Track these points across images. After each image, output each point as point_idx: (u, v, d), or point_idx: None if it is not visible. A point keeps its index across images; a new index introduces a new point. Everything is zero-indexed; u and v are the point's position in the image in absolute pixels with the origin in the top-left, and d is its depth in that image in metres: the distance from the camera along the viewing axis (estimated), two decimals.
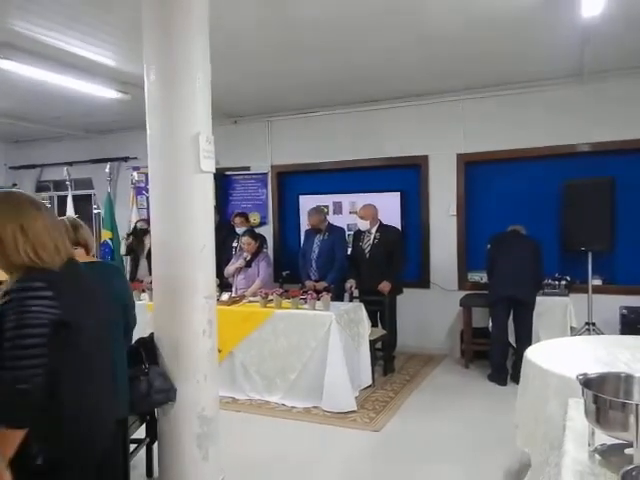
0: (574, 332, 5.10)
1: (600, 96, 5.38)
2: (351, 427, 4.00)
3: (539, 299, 5.04)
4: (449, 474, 3.27)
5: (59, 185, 8.46)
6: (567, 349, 3.05)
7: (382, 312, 5.32)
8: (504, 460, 3.35)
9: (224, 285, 5.43)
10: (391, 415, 4.21)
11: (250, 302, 4.92)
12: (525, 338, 4.81)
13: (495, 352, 5.03)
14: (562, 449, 1.50)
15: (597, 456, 1.43)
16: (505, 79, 5.46)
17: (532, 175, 5.80)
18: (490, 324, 5.19)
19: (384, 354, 5.35)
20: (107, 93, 5.33)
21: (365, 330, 4.80)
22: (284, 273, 6.52)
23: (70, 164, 7.91)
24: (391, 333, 5.38)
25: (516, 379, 4.22)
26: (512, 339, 5.06)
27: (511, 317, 5.03)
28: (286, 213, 7.12)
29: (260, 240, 5.70)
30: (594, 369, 1.85)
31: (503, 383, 4.87)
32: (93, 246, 2.69)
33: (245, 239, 5.46)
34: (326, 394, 4.28)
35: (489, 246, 5.21)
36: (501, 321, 5.00)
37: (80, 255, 2.54)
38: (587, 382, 1.52)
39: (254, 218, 6.97)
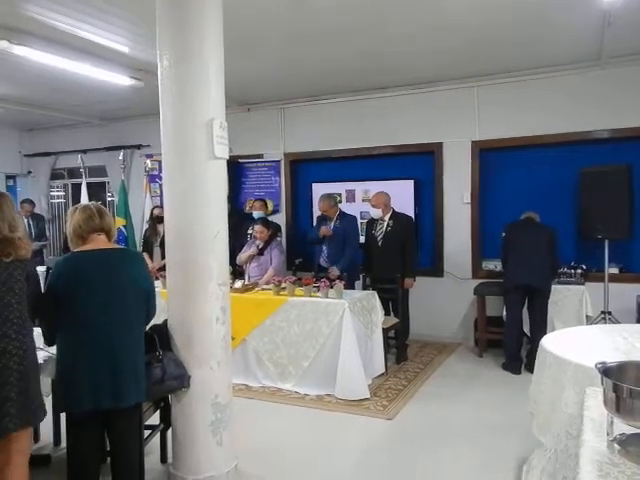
0: (590, 321, 5.04)
1: (619, 81, 5.26)
2: (364, 415, 4.00)
3: (554, 288, 4.99)
4: (463, 462, 3.26)
5: (73, 172, 8.51)
6: (584, 338, 3.00)
7: (395, 300, 5.30)
8: (518, 449, 3.32)
9: (237, 273, 5.44)
10: (404, 403, 4.20)
11: (263, 290, 4.93)
12: (540, 327, 4.77)
13: (509, 341, 5.00)
14: (580, 438, 1.48)
15: (616, 446, 1.41)
16: (521, 64, 5.36)
17: (548, 162, 5.71)
18: (504, 313, 5.14)
19: (397, 342, 5.34)
20: (120, 80, 5.32)
21: (378, 318, 4.79)
22: (297, 261, 6.51)
23: (84, 152, 7.95)
24: (404, 321, 5.37)
25: (530, 368, 4.17)
26: (526, 328, 5.03)
27: (526, 306, 4.99)
28: (299, 201, 7.10)
29: (273, 228, 5.69)
30: (612, 358, 1.82)
31: (517, 372, 4.84)
32: (115, 233, 2.71)
33: (258, 227, 5.45)
34: (339, 382, 4.28)
35: (504, 234, 5.16)
36: (516, 309, 4.96)
37: (102, 241, 2.56)
38: (606, 371, 1.50)
39: (270, 205, 6.96)
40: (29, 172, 8.78)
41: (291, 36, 4.39)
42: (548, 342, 2.79)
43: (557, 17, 4.09)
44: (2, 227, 2.29)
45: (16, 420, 2.11)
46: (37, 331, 2.44)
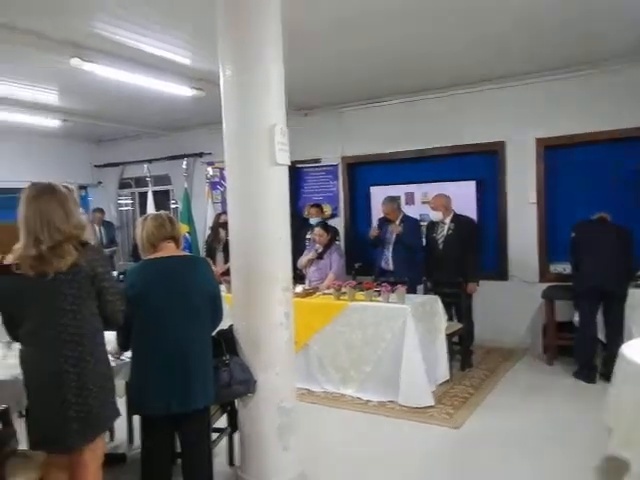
0: None
1: None
2: (429, 423, 3.91)
3: (631, 291, 4.69)
4: (532, 476, 3.12)
5: (140, 181, 8.86)
6: None
7: (458, 305, 5.17)
8: (593, 464, 3.14)
9: (297, 277, 5.47)
10: (471, 411, 4.08)
11: (324, 294, 4.92)
12: (615, 333, 4.52)
13: (581, 348, 4.75)
14: None
15: None
16: (585, 58, 5.11)
17: (617, 158, 5.41)
18: (576, 318, 4.90)
19: (461, 348, 5.19)
20: (182, 91, 5.48)
21: (441, 323, 4.67)
22: (356, 265, 6.46)
23: (149, 161, 8.25)
24: (468, 326, 5.22)
25: (606, 377, 3.96)
26: (600, 334, 4.76)
27: (599, 310, 4.73)
28: (357, 204, 7.07)
29: (332, 232, 5.69)
30: None
31: (591, 381, 4.59)
32: (182, 240, 2.81)
33: (317, 230, 5.47)
34: (402, 388, 4.21)
35: (573, 234, 4.92)
36: (588, 314, 4.71)
37: (172, 248, 2.66)
38: None
39: (326, 210, 6.98)
40: (99, 182, 9.20)
41: (349, 35, 4.34)
42: (629, 351, 2.62)
43: (625, 7, 3.87)
44: (39, 234, 2.06)
45: (79, 436, 2.15)
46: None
